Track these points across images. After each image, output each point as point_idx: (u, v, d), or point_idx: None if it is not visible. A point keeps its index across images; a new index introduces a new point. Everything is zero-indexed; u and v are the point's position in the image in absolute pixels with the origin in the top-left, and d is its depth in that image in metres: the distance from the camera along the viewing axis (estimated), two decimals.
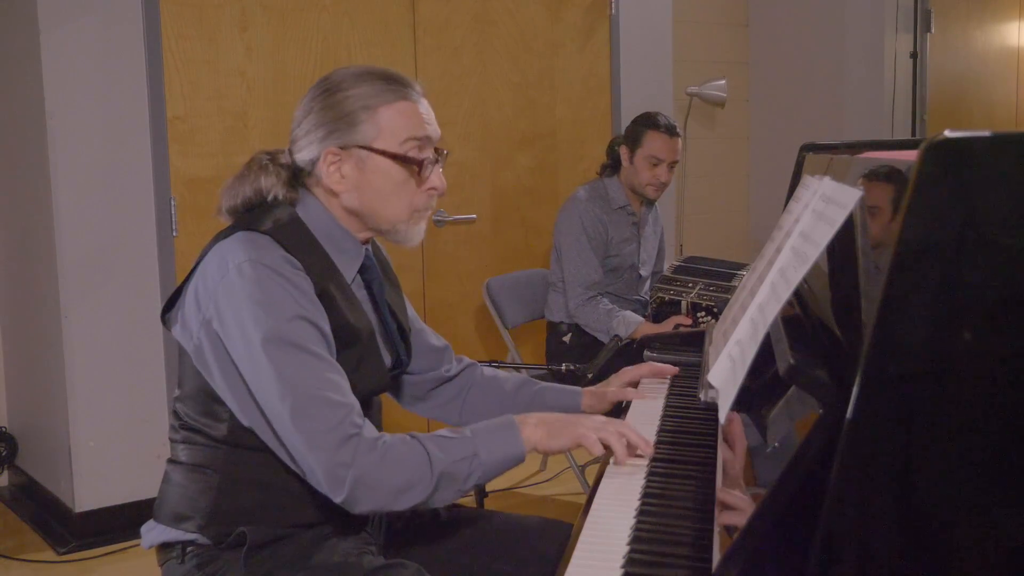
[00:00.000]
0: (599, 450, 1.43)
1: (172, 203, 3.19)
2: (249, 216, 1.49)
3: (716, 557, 0.96)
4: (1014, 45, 4.87)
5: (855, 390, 0.81)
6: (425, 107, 1.55)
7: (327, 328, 1.44)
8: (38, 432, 3.41)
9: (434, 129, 1.55)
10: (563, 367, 2.30)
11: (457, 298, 3.86)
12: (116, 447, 3.15)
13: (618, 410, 1.77)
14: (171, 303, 1.52)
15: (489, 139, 3.89)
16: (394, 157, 1.50)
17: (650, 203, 3.38)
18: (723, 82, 4.65)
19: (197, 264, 1.47)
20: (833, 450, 0.83)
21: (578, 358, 2.98)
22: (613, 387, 1.83)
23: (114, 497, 3.16)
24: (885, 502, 0.82)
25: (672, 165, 3.23)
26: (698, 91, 4.67)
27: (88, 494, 3.13)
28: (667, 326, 3.00)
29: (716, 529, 1.04)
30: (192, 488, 1.48)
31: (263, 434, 1.43)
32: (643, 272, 3.39)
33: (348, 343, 1.48)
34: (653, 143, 3.20)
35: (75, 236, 3.05)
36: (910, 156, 0.82)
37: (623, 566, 1.08)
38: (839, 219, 0.99)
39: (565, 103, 4.06)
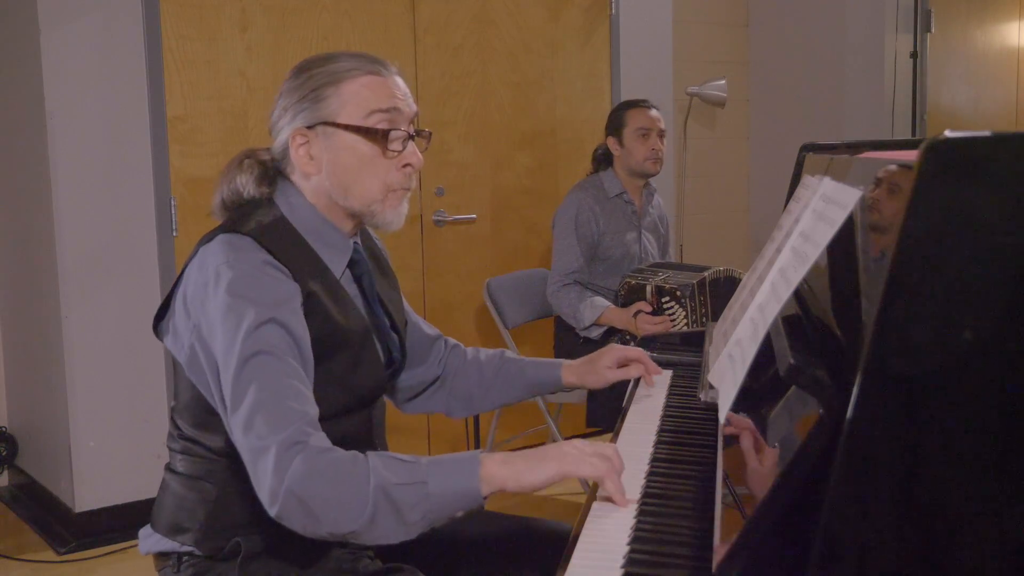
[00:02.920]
0: (591, 475, 1.24)
1: (172, 203, 3.20)
2: (233, 217, 1.46)
3: (716, 557, 0.96)
4: (1014, 45, 4.87)
5: (855, 390, 0.81)
6: (397, 83, 1.48)
7: (301, 333, 1.36)
8: (38, 432, 3.40)
9: (406, 104, 1.48)
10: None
11: (457, 298, 3.86)
12: (116, 447, 3.15)
13: (620, 396, 1.76)
14: (161, 314, 1.47)
15: (489, 139, 3.89)
16: (358, 130, 1.44)
17: (649, 193, 3.42)
18: (723, 82, 4.65)
19: (184, 270, 1.43)
20: (833, 450, 0.83)
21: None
22: (605, 363, 1.76)
23: (114, 497, 3.16)
24: (885, 502, 0.82)
25: (661, 135, 3.33)
26: (698, 91, 4.67)
27: (88, 494, 3.13)
28: (630, 311, 3.07)
29: (717, 520, 1.04)
30: (189, 499, 1.46)
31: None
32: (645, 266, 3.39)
33: (340, 345, 1.45)
34: (636, 118, 3.32)
35: (75, 236, 3.05)
36: (910, 156, 0.82)
37: (623, 566, 1.08)
38: (839, 219, 0.99)
39: (565, 103, 4.06)
